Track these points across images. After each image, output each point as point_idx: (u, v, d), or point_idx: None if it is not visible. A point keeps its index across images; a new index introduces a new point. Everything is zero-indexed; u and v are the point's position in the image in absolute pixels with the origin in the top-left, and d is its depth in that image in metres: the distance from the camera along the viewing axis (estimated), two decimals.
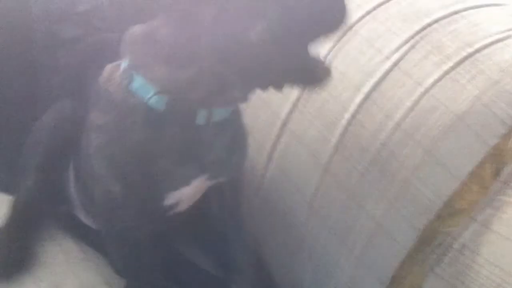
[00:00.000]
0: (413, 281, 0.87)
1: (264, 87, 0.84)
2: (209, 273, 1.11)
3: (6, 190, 1.16)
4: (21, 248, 1.03)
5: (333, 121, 0.96)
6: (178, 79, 0.82)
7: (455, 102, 0.84)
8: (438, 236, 0.85)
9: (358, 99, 0.93)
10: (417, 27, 0.91)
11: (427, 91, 0.87)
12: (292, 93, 1.03)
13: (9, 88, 1.21)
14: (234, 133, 0.93)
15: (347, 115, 0.94)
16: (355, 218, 0.93)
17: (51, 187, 1.05)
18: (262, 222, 1.09)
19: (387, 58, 0.92)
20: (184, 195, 0.93)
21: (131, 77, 0.86)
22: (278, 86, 0.84)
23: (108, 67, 0.93)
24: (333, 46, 0.99)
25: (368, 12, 0.98)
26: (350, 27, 0.98)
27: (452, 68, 0.85)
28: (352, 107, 0.94)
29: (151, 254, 0.98)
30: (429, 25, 0.91)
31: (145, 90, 0.85)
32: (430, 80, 0.87)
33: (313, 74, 0.83)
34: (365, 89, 0.93)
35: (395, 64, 0.91)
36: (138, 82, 0.85)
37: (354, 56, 0.96)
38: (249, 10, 0.76)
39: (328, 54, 0.98)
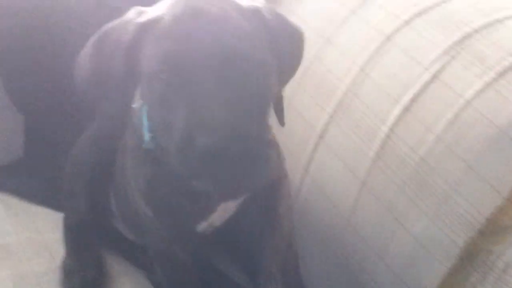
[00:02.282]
0: None
1: None
2: (237, 283, 1.09)
3: (46, 203, 1.18)
4: (94, 269, 1.04)
5: (371, 134, 0.94)
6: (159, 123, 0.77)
7: (498, 115, 0.81)
8: (481, 254, 0.81)
9: (397, 111, 0.91)
10: (457, 36, 0.88)
11: (468, 103, 0.84)
12: (328, 104, 1.01)
13: (46, 102, 1.23)
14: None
15: (385, 128, 0.92)
16: (393, 233, 0.90)
17: (98, 204, 1.05)
18: (297, 236, 1.07)
19: (426, 69, 0.89)
20: (215, 217, 0.91)
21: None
22: None
23: None
24: (370, 58, 0.97)
25: (406, 22, 0.95)
26: (388, 38, 0.96)
27: (495, 79, 0.82)
28: (391, 120, 0.91)
29: (190, 267, 0.97)
30: (470, 34, 0.88)
31: (144, 120, 0.82)
32: (472, 92, 0.84)
33: None
34: (404, 101, 0.90)
35: (435, 75, 0.88)
36: (144, 109, 0.82)
37: (392, 67, 0.94)
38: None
39: None
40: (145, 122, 0.82)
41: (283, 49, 0.76)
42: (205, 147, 0.65)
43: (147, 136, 0.81)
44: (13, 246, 1.08)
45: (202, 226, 0.92)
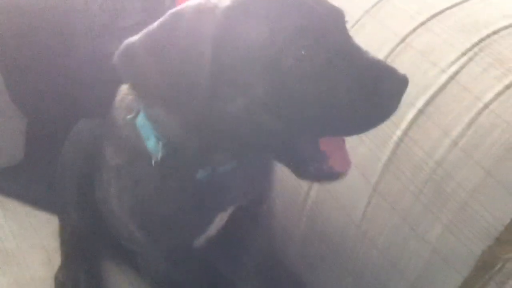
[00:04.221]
0: None
1: (254, 155, 0.80)
2: (221, 274, 1.06)
3: (47, 208, 1.15)
4: (87, 280, 1.02)
5: (384, 138, 0.91)
6: (172, 124, 0.73)
7: None
8: (498, 262, 0.79)
9: (411, 114, 0.88)
10: (475, 38, 0.86)
11: (487, 106, 0.81)
12: None
13: (50, 104, 1.21)
14: (253, 165, 0.85)
15: (398, 132, 0.89)
16: (407, 242, 0.87)
17: (89, 213, 1.02)
18: (307, 244, 1.04)
19: (443, 71, 0.87)
20: (211, 230, 0.89)
21: (137, 110, 0.77)
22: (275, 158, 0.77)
23: (123, 89, 0.84)
24: (384, 59, 0.94)
25: (422, 23, 0.93)
26: (403, 39, 0.93)
27: None
28: (404, 123, 0.89)
29: (187, 269, 0.95)
30: (489, 36, 0.85)
31: (146, 130, 0.76)
32: (491, 95, 0.81)
33: (305, 168, 0.74)
34: (419, 104, 0.88)
35: (452, 77, 0.86)
36: (141, 119, 0.76)
37: (407, 69, 0.88)
38: (233, 83, 0.68)
39: None
40: (148, 132, 0.76)
41: None
42: (393, 87, 0.68)
43: (155, 146, 0.75)
44: (13, 252, 1.06)
45: (200, 240, 0.89)
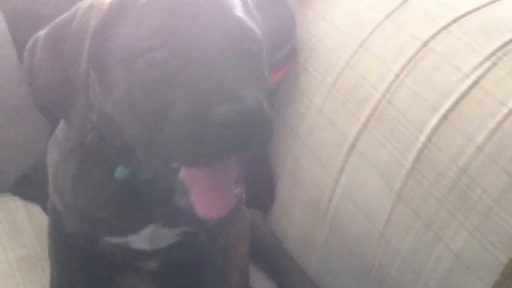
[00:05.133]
0: None
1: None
2: None
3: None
4: None
5: (407, 143, 0.90)
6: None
7: None
8: None
9: (435, 120, 0.87)
10: (499, 42, 0.84)
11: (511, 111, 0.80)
12: (361, 112, 0.98)
13: None
14: None
15: (422, 138, 0.88)
16: (431, 249, 0.86)
17: None
18: (328, 251, 1.04)
19: (467, 76, 0.85)
20: (140, 242, 0.85)
21: None
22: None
23: None
24: (406, 64, 0.93)
25: (444, 27, 0.91)
26: (425, 44, 0.92)
27: None
28: (428, 129, 0.87)
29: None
30: None
31: None
32: None
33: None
34: (442, 109, 0.86)
35: (476, 82, 0.84)
36: None
37: (429, 74, 0.90)
38: (104, 80, 0.68)
39: None
40: None
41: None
42: (225, 114, 0.59)
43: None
44: (39, 259, 1.07)
45: (116, 240, 0.86)
